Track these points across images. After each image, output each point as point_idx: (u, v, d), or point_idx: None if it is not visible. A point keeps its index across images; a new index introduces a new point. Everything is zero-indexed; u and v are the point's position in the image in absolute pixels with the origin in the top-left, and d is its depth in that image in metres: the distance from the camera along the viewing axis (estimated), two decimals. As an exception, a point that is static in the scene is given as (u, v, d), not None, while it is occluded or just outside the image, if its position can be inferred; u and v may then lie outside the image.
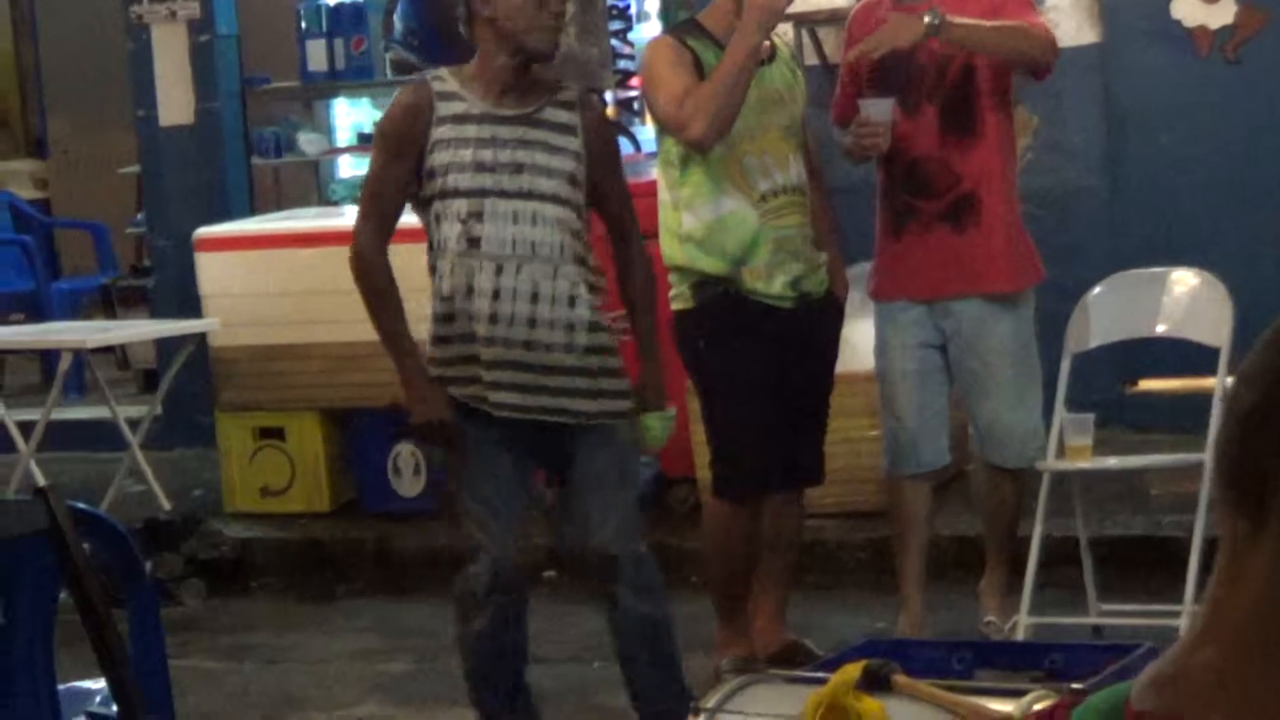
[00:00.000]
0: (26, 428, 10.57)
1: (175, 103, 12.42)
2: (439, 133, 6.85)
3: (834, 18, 10.54)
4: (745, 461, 7.77)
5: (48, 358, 11.83)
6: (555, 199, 6.88)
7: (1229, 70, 10.40)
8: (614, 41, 13.52)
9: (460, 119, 6.88)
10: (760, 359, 7.65)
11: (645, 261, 7.19)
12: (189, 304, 11.22)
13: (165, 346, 11.65)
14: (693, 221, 7.64)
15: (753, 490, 7.81)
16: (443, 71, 7.06)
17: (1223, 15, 10.38)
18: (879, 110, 7.72)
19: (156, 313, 12.58)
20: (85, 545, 5.85)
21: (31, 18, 15.63)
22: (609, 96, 13.03)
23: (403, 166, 6.91)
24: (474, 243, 6.85)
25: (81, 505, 6.12)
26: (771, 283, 7.65)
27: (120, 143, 13.81)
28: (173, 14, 12.35)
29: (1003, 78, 7.82)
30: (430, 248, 6.96)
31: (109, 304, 14.36)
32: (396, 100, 7.19)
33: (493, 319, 6.82)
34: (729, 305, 7.64)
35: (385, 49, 14.14)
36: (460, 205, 6.85)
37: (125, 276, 14.57)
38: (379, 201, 6.99)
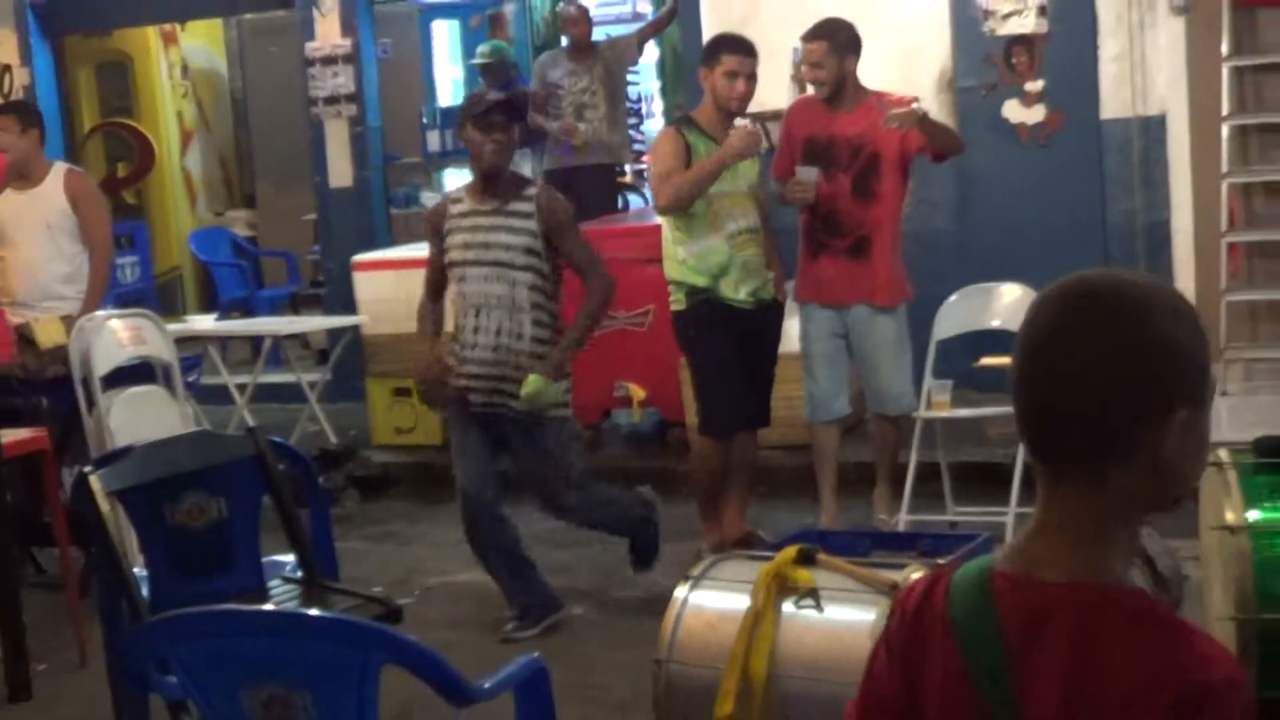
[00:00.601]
0: (241, 388, 10.57)
1: (339, 172, 12.38)
2: (449, 224, 7.15)
3: (778, 115, 10.49)
4: (720, 411, 7.77)
5: (256, 341, 11.81)
6: (512, 265, 7.02)
7: (1040, 151, 10.37)
8: (631, 131, 13.50)
9: (459, 215, 7.14)
10: (730, 343, 7.67)
11: (601, 290, 7.21)
12: (349, 306, 11.22)
13: (333, 334, 11.62)
14: (685, 251, 7.66)
15: (725, 430, 7.81)
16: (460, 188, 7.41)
17: (1036, 115, 10.37)
18: (808, 174, 7.74)
19: (327, 311, 12.56)
20: (280, 466, 5.85)
21: (246, 113, 15.61)
22: (627, 168, 12.99)
23: (435, 245, 7.29)
24: (464, 296, 7.10)
25: (278, 439, 6.11)
26: (738, 292, 7.67)
27: (304, 198, 13.79)
28: (339, 113, 12.32)
29: (906, 159, 7.80)
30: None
31: (296, 305, 14.37)
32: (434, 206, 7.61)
33: (472, 346, 7.09)
34: (710, 307, 7.65)
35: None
36: (457, 271, 7.11)
37: (307, 287, 14.57)
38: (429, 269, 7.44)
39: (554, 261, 7.11)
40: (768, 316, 7.85)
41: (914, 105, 7.74)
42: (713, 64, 7.73)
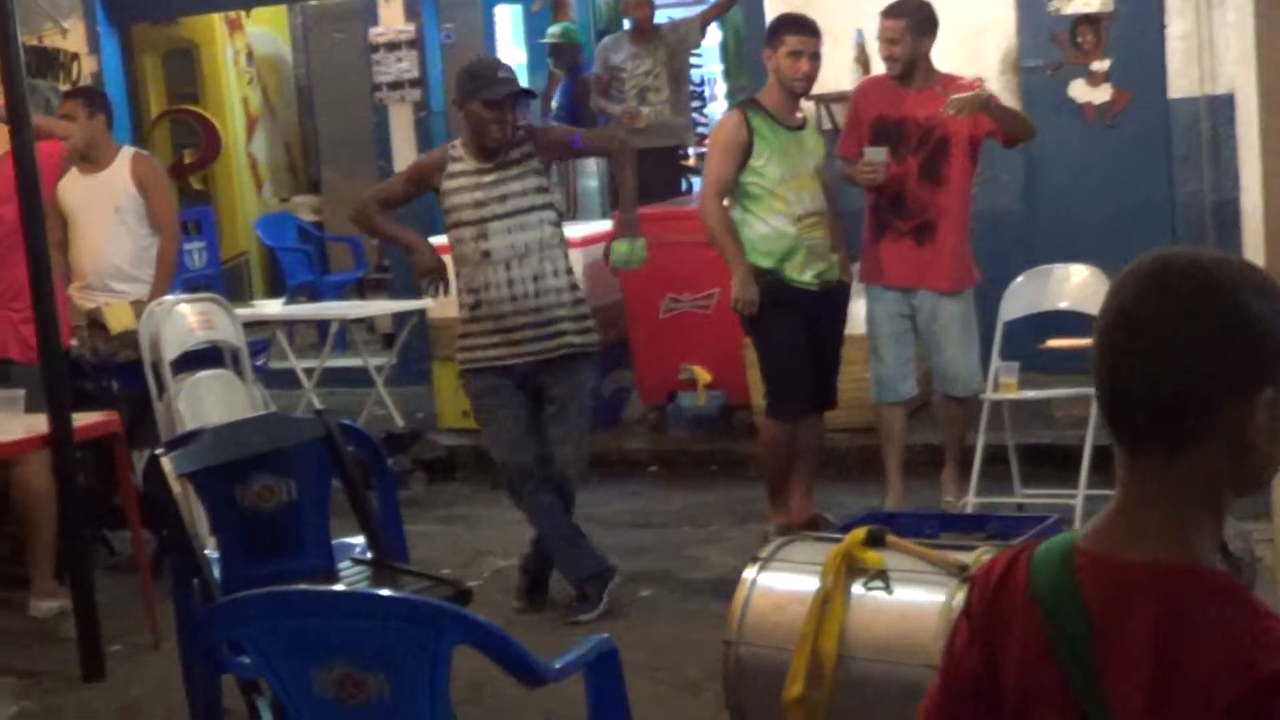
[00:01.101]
0: (308, 372, 10.61)
1: (404, 156, 12.35)
2: (448, 183, 7.14)
3: (841, 98, 10.47)
4: (788, 394, 7.76)
5: (322, 325, 11.86)
6: (532, 209, 7.12)
7: (1107, 131, 10.30)
8: (694, 114, 13.47)
9: (460, 174, 7.14)
10: (795, 325, 7.65)
11: (622, 147, 7.71)
12: (414, 290, 11.23)
13: (399, 318, 11.66)
14: (751, 233, 7.64)
15: (792, 412, 7.79)
16: (455, 142, 7.30)
17: (1102, 95, 10.30)
18: (877, 155, 7.73)
19: (393, 296, 12.60)
20: (349, 448, 5.87)
21: (311, 99, 15.65)
22: (690, 151, 12.97)
23: (412, 187, 7.39)
24: (489, 254, 7.06)
25: (346, 421, 6.13)
26: (803, 274, 7.65)
27: (369, 183, 13.75)
28: (402, 98, 12.36)
29: (975, 143, 7.79)
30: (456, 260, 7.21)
31: (362, 290, 14.41)
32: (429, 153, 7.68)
33: (511, 299, 7.08)
34: (776, 289, 7.62)
35: (544, 121, 14.18)
36: (473, 230, 7.09)
37: (372, 272, 14.61)
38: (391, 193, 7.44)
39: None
40: (833, 299, 7.83)
41: (977, 89, 7.69)
42: (776, 44, 7.72)
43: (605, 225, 10.45)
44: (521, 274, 7.07)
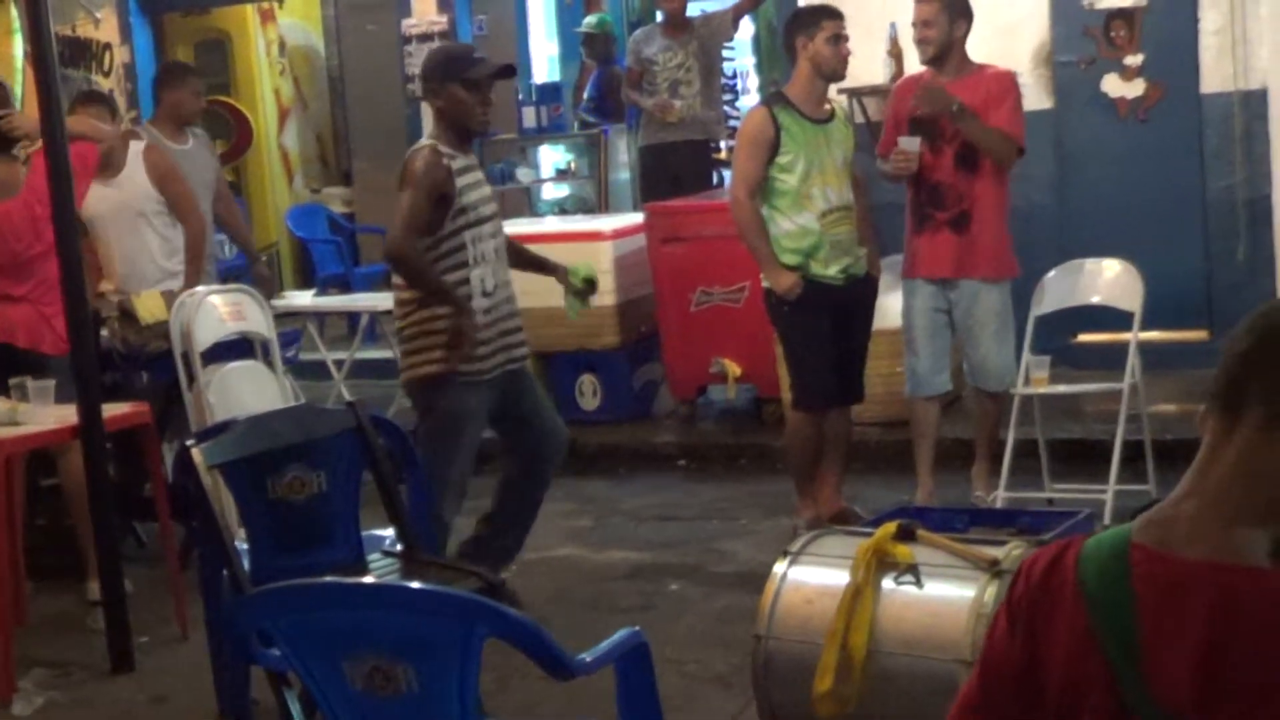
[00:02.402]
0: (338, 364, 10.62)
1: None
2: (460, 181, 6.78)
3: (874, 91, 10.48)
4: (813, 386, 7.76)
5: (353, 317, 11.87)
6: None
7: (1140, 126, 10.28)
8: (726, 107, 13.45)
9: (463, 171, 6.84)
10: (821, 320, 7.65)
11: None
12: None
13: (429, 310, 11.64)
14: (777, 229, 7.64)
15: (818, 405, 7.79)
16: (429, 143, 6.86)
17: (1135, 89, 10.27)
18: (910, 145, 7.72)
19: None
20: (379, 440, 5.87)
21: (342, 91, 15.67)
22: (722, 144, 12.96)
23: (435, 204, 6.77)
24: (486, 255, 6.87)
25: (377, 413, 6.13)
26: (829, 269, 7.64)
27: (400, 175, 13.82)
28: (434, 89, 12.35)
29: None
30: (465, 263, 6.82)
31: (392, 282, 14.41)
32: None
33: (507, 300, 6.98)
34: (801, 284, 7.62)
35: (574, 112, 14.21)
36: (480, 229, 6.85)
37: (403, 264, 14.61)
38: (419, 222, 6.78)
39: None
40: (860, 292, 7.81)
41: (948, 99, 7.66)
42: (813, 31, 7.70)
43: (638, 217, 10.47)
44: (505, 276, 7.00)
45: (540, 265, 7.41)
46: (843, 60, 7.76)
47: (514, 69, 8.01)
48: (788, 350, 7.92)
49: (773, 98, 7.98)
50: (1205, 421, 2.15)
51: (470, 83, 6.78)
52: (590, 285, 7.31)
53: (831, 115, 7.81)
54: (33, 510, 7.95)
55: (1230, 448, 2.10)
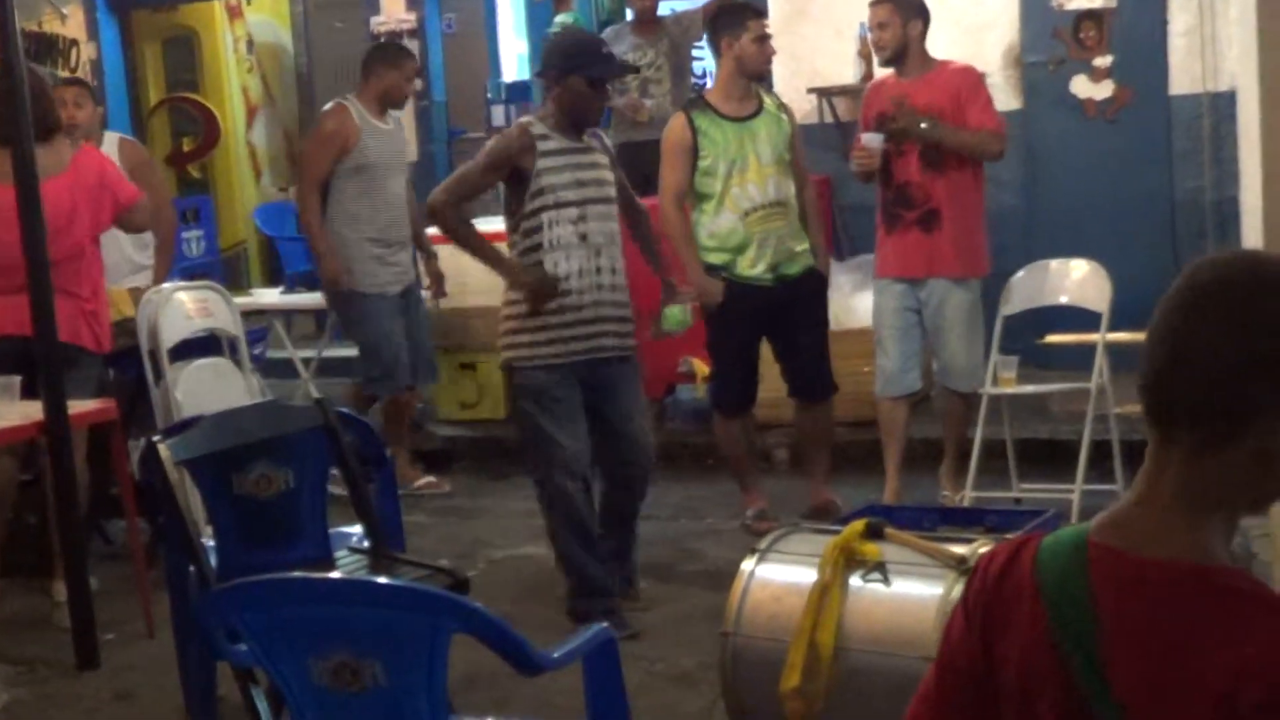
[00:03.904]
0: (306, 362, 10.61)
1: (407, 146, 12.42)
2: (541, 162, 6.75)
3: (844, 91, 10.51)
4: (724, 389, 8.02)
5: (320, 315, 11.82)
6: (614, 200, 6.96)
7: (1108, 127, 10.33)
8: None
9: (555, 153, 6.80)
10: (742, 322, 7.77)
11: (646, 221, 7.29)
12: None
13: (397, 308, 11.62)
14: (704, 231, 7.75)
15: (729, 407, 8.01)
16: (532, 120, 6.94)
17: (1104, 90, 10.32)
18: (873, 141, 7.76)
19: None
20: (347, 438, 5.87)
21: (310, 89, 15.64)
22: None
23: (496, 174, 6.88)
24: (585, 236, 6.81)
25: (344, 410, 6.13)
26: (756, 268, 7.73)
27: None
28: (403, 87, 12.34)
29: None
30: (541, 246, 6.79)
31: (360, 280, 14.38)
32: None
33: (598, 289, 6.83)
34: (727, 285, 7.72)
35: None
36: (571, 212, 6.78)
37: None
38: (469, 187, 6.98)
39: None
40: (796, 290, 7.84)
41: (915, 120, 7.68)
42: (739, 31, 7.76)
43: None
44: (608, 263, 6.86)
45: (652, 262, 7.35)
46: (767, 59, 7.85)
47: (637, 68, 8.11)
48: (708, 351, 8.05)
49: (690, 102, 8.07)
50: (1149, 432, 2.15)
51: (594, 79, 6.82)
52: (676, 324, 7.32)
53: (759, 110, 7.82)
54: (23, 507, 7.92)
55: (1170, 460, 2.10)
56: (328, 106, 9.26)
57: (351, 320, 9.36)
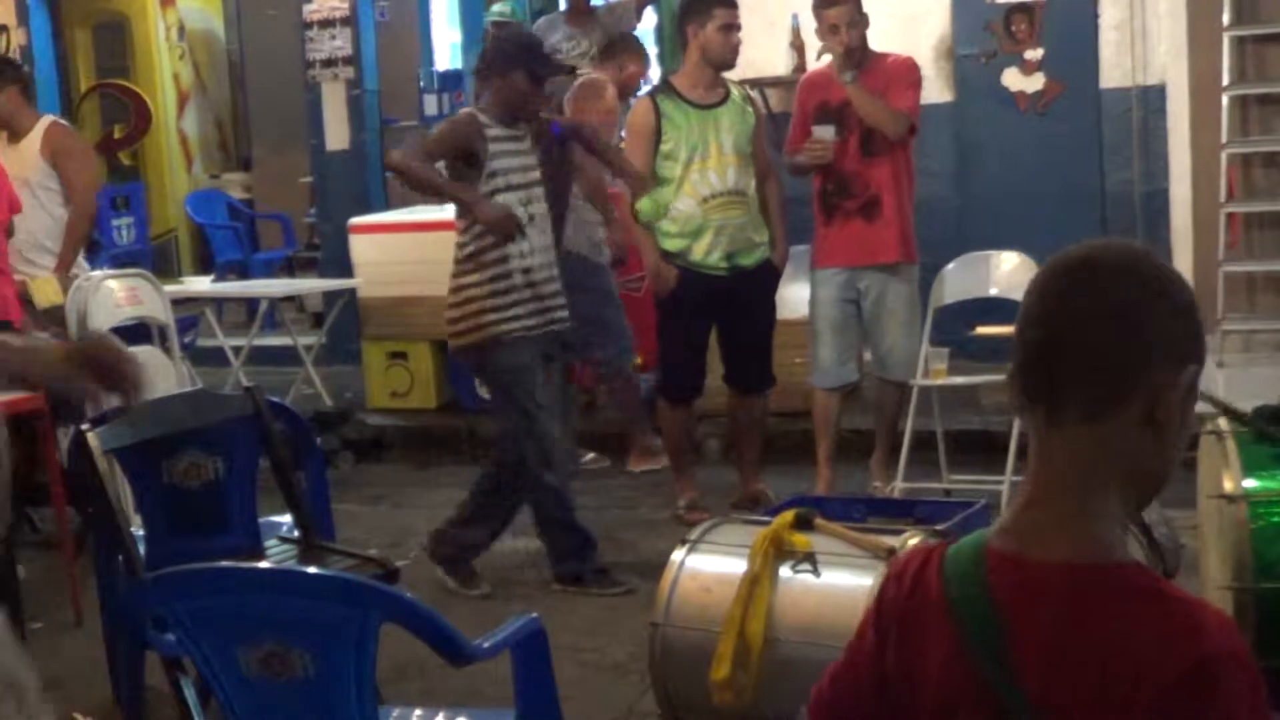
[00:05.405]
0: (236, 350, 10.57)
1: (336, 135, 12.37)
2: (491, 148, 6.97)
3: (777, 82, 10.53)
4: (672, 376, 8.04)
5: (251, 303, 11.79)
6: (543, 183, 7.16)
7: (1039, 120, 10.39)
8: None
9: (500, 139, 7.01)
10: (693, 310, 7.80)
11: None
12: (344, 269, 11.18)
13: (328, 297, 11.61)
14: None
15: (676, 395, 8.03)
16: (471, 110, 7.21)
17: (1035, 83, 10.38)
18: (825, 133, 7.75)
19: (323, 274, 12.56)
20: (277, 426, 5.84)
21: (242, 76, 15.58)
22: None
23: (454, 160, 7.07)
24: (533, 219, 7.04)
25: (275, 399, 6.10)
26: (711, 256, 7.74)
27: (300, 161, 13.78)
28: (335, 75, 12.32)
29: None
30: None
31: (291, 268, 14.37)
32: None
33: (551, 265, 7.11)
34: (681, 273, 7.75)
35: (476, 100, 14.10)
36: (523, 194, 7.01)
37: (302, 250, 14.56)
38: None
39: None
40: (749, 281, 7.87)
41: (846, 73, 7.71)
42: (704, 19, 7.76)
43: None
44: (549, 241, 7.14)
45: (608, 167, 7.71)
46: (733, 49, 7.84)
47: (574, 70, 8.22)
48: (658, 337, 8.06)
49: (658, 86, 8.11)
50: (1023, 415, 2.15)
51: (535, 76, 7.04)
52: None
53: (725, 99, 7.84)
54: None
55: (1058, 442, 2.10)
56: None
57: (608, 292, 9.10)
